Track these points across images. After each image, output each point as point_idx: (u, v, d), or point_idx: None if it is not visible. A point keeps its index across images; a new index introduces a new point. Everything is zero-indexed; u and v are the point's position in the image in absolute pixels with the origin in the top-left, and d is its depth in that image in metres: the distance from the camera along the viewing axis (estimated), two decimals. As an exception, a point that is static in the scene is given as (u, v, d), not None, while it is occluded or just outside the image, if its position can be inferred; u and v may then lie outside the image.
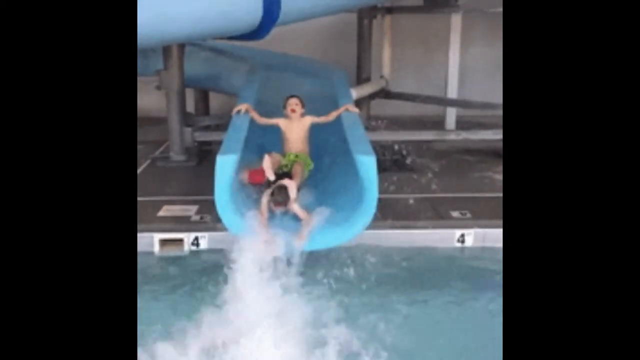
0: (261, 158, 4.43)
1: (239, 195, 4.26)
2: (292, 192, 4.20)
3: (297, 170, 4.57)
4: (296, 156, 4.72)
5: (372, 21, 8.08)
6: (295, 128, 4.79)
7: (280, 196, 4.13)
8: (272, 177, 4.34)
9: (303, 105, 4.85)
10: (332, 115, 4.91)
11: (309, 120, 4.84)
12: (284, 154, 4.74)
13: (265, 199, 4.17)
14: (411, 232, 4.65)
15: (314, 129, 4.97)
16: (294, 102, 4.81)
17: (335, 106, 5.40)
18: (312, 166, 4.82)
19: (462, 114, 8.30)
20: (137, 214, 2.57)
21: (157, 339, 3.30)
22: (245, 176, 4.45)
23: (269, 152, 4.50)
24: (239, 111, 4.96)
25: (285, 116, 4.83)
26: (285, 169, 4.58)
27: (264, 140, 5.09)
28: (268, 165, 4.37)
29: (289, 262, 3.83)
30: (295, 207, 4.15)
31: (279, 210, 4.15)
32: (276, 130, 4.92)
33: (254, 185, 4.48)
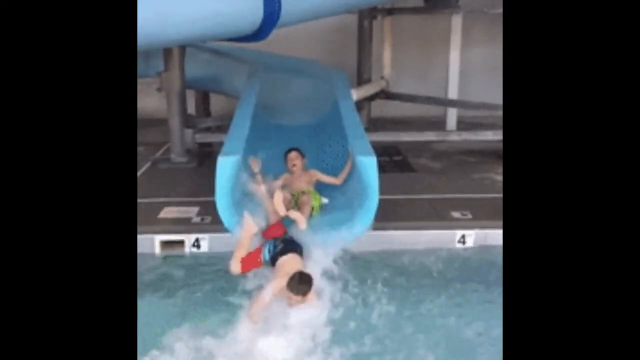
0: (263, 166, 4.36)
1: (239, 197, 4.26)
2: (302, 224, 3.93)
3: (303, 200, 4.42)
4: (303, 192, 4.56)
5: (372, 22, 8.09)
6: (298, 181, 4.66)
7: (302, 285, 3.35)
8: (284, 212, 4.00)
9: (304, 156, 4.74)
10: (342, 177, 4.73)
11: (314, 175, 4.71)
12: (291, 194, 4.55)
13: (271, 289, 3.41)
14: (412, 232, 4.65)
15: (315, 127, 4.96)
16: (293, 157, 4.69)
17: (336, 107, 5.41)
18: (323, 201, 4.58)
19: (463, 114, 8.30)
20: (138, 215, 2.57)
21: (157, 341, 3.29)
22: (237, 267, 3.71)
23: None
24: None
25: (289, 171, 4.71)
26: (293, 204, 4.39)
27: (265, 144, 5.09)
28: (279, 201, 4.03)
29: None
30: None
31: (294, 304, 3.38)
32: (278, 140, 4.88)
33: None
